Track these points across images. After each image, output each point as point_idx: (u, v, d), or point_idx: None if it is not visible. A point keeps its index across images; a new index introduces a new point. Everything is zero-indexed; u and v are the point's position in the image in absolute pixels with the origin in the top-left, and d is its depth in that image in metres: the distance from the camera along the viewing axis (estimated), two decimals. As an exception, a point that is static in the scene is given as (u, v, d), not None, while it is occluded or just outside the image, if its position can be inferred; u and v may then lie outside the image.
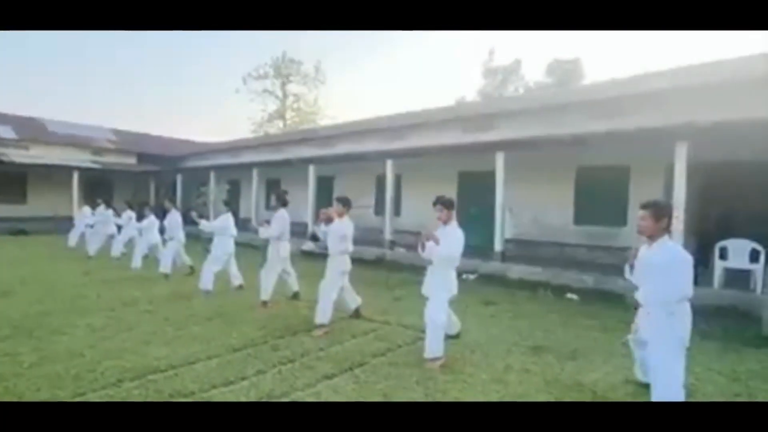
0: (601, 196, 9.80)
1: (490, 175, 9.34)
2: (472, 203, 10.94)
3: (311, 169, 13.45)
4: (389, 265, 10.27)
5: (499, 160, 9.21)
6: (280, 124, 37.64)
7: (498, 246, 9.23)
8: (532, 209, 10.61)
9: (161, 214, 9.38)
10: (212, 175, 17.28)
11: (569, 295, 7.57)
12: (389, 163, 11.33)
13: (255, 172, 15.50)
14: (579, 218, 10.25)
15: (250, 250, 10.05)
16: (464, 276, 8.42)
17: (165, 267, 8.52)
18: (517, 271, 8.64)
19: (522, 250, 10.23)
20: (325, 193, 13.64)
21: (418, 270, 5.97)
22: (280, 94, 38.05)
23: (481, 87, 34.75)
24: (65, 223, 14.40)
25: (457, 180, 12.12)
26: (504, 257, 9.19)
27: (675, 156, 7.07)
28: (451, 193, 10.65)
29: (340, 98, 59.63)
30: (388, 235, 11.20)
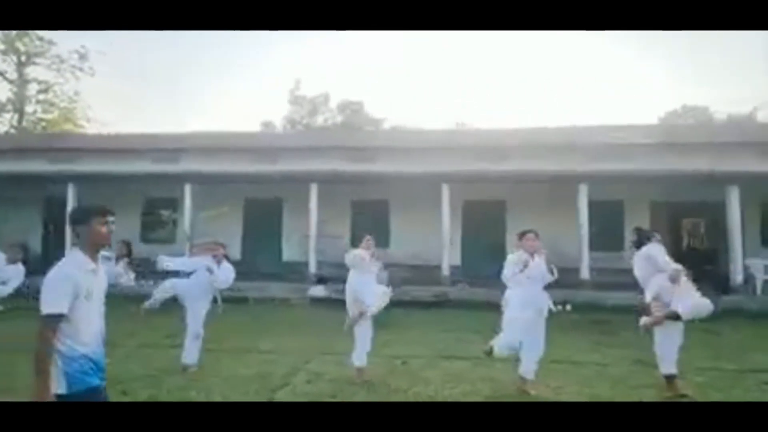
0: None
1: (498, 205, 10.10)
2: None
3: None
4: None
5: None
6: (13, 118, 26.08)
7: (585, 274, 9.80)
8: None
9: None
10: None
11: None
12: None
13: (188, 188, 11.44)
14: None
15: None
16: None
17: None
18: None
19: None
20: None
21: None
22: (14, 76, 25.51)
23: (288, 114, 32.72)
24: None
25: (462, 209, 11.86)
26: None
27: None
28: (455, 223, 11.22)
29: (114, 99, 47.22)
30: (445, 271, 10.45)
